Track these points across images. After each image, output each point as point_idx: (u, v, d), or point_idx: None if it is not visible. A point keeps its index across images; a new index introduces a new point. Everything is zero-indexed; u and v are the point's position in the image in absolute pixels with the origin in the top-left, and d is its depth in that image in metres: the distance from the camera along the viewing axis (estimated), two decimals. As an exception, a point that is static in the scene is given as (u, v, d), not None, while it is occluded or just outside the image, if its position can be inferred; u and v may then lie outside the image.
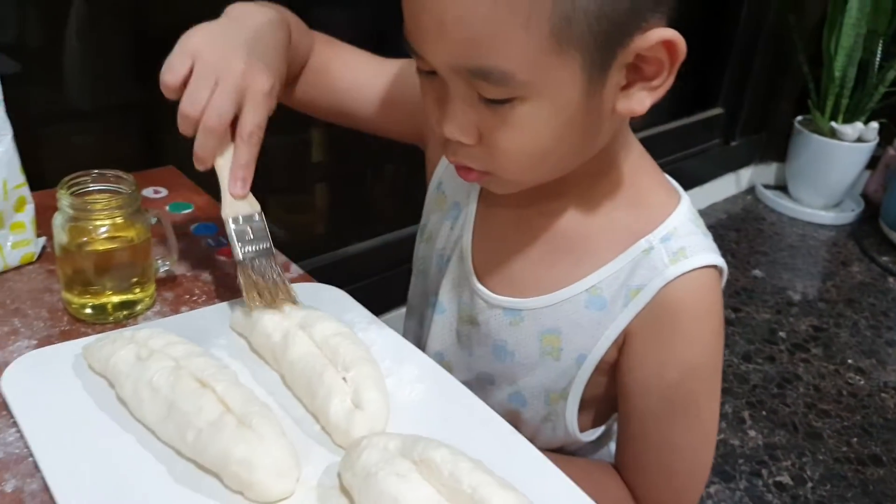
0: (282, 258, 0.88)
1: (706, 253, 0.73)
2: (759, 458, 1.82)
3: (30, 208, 0.83)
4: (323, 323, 0.68)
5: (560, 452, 0.85)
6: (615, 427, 0.86)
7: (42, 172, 0.87)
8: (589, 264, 0.75)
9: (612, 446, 0.89)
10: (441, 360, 0.86)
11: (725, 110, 3.02)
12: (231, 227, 0.72)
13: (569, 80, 0.61)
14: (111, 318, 0.75)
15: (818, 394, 2.04)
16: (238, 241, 0.72)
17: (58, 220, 0.73)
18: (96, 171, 0.74)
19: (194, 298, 0.80)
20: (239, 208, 0.73)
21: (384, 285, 1.55)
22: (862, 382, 2.10)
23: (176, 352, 0.63)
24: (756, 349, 2.21)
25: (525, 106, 0.62)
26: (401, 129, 0.93)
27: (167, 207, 0.97)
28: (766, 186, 3.15)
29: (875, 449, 1.86)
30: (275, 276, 0.72)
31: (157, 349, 0.63)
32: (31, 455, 0.58)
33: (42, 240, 0.86)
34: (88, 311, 0.75)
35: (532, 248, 0.79)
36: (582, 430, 0.82)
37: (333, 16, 1.68)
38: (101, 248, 0.73)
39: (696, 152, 2.96)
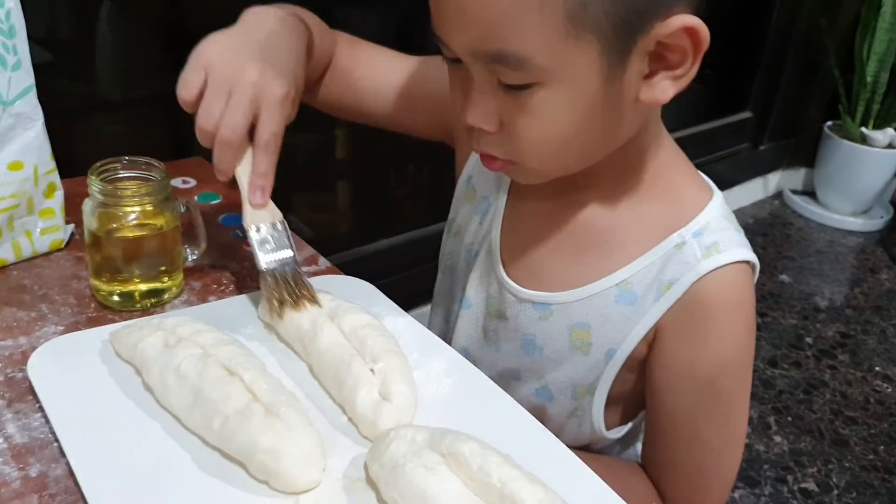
0: (309, 251, 0.87)
1: (739, 248, 0.72)
2: (784, 465, 1.80)
3: (59, 195, 0.83)
4: (352, 314, 0.67)
5: (586, 451, 0.84)
6: (641, 427, 0.85)
7: (72, 160, 0.87)
8: (618, 258, 0.75)
9: (639, 447, 0.88)
10: (466, 355, 0.85)
11: (754, 114, 3.00)
12: (252, 235, 0.72)
13: (587, 65, 0.61)
14: (138, 306, 0.75)
15: (845, 400, 2.02)
16: (259, 250, 0.72)
17: (87, 205, 0.73)
18: (127, 157, 0.74)
19: (221, 288, 0.80)
20: (259, 217, 0.72)
21: (408, 282, 1.54)
22: (889, 390, 2.07)
23: (204, 340, 0.63)
24: (782, 354, 2.19)
25: (544, 92, 0.63)
26: (427, 126, 0.93)
27: (196, 197, 0.97)
28: (794, 191, 3.12)
29: (903, 458, 1.84)
30: (296, 284, 0.71)
31: (185, 337, 0.63)
32: (57, 440, 0.58)
33: (70, 227, 0.86)
34: (116, 298, 0.75)
35: (561, 240, 0.78)
36: (608, 427, 0.82)
37: (355, 15, 1.68)
38: (130, 234, 0.73)
39: (725, 156, 2.94)
